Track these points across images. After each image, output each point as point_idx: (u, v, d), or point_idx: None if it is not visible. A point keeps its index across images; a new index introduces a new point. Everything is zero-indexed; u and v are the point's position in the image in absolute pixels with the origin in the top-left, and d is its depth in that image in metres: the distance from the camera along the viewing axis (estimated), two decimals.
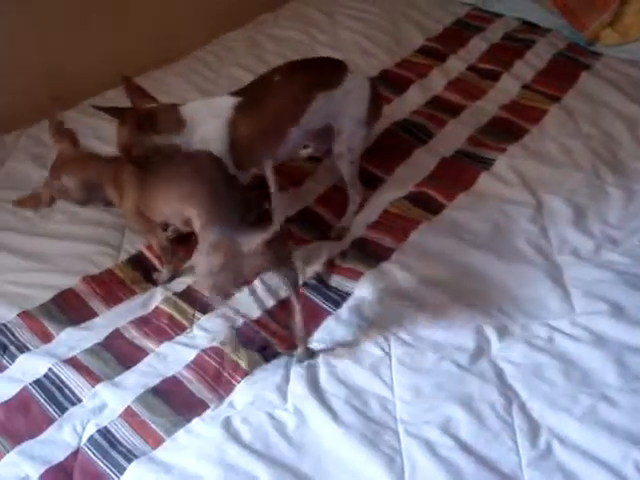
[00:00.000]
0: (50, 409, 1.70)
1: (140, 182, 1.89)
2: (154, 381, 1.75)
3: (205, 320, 1.91)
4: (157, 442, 1.62)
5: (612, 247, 2.07)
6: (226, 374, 1.76)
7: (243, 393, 1.72)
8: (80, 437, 1.64)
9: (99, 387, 1.73)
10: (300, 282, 1.86)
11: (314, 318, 1.88)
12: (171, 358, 1.81)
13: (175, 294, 1.99)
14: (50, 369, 1.77)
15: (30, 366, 1.79)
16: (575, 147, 2.45)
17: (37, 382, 1.76)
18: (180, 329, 1.90)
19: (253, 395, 1.71)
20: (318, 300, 1.94)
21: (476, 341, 1.80)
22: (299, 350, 1.79)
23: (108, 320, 1.93)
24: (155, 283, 2.04)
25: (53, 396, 1.73)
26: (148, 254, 2.12)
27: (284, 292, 1.94)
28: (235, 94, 2.08)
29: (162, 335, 1.88)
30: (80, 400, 1.72)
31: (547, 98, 2.70)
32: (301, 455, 1.57)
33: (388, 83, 2.77)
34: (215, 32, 3.16)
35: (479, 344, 1.79)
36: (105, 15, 2.82)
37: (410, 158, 2.44)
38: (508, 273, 2.00)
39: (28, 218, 2.23)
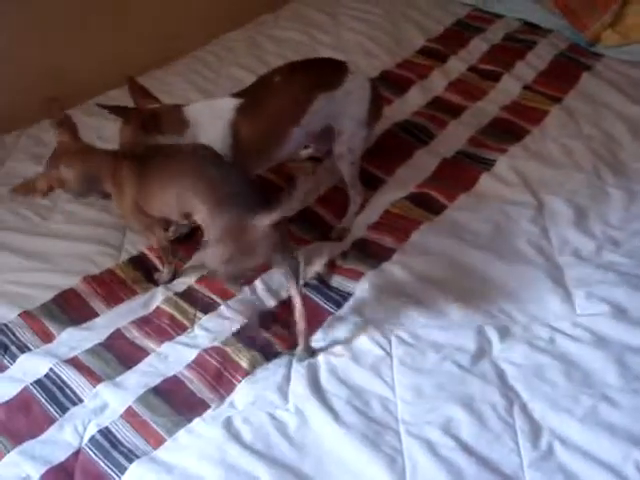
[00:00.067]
0: (51, 409, 1.70)
1: (138, 177, 1.87)
2: (155, 381, 1.75)
3: (206, 320, 1.91)
4: (158, 442, 1.62)
5: (613, 248, 2.07)
6: (227, 374, 1.76)
7: (244, 393, 1.72)
8: (81, 437, 1.64)
9: (100, 387, 1.73)
10: (301, 280, 1.87)
11: (315, 318, 1.87)
12: (172, 358, 1.81)
13: (176, 294, 1.99)
14: (51, 369, 1.77)
15: (31, 366, 1.79)
16: (576, 148, 2.45)
17: (38, 382, 1.76)
18: (181, 329, 1.90)
19: (254, 395, 1.71)
20: (319, 300, 1.94)
21: (477, 342, 1.80)
22: (300, 347, 1.79)
23: (109, 320, 1.93)
24: (156, 283, 2.04)
25: (54, 396, 1.73)
26: (149, 254, 2.12)
27: (284, 292, 1.96)
28: (236, 95, 2.08)
29: (163, 335, 1.88)
30: (81, 400, 1.72)
31: (548, 99, 2.70)
32: (302, 455, 1.57)
33: (389, 84, 2.77)
34: (215, 32, 3.16)
35: (480, 345, 1.79)
36: (105, 15, 2.82)
37: (411, 159, 2.45)
38: (509, 274, 2.00)
39: (29, 218, 2.24)
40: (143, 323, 1.91)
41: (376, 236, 2.15)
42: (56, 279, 2.02)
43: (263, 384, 1.73)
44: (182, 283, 2.03)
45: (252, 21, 3.28)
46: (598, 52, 2.97)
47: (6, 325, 1.89)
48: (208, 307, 1.94)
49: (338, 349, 1.80)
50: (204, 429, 1.64)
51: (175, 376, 1.76)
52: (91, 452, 1.61)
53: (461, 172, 2.38)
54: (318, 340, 1.83)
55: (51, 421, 1.68)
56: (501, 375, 1.73)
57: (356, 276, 2.00)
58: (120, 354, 1.83)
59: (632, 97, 2.68)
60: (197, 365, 1.78)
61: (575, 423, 1.61)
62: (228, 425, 1.63)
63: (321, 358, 1.78)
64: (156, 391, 1.73)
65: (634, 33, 2.93)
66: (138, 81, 2.08)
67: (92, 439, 1.63)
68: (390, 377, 1.73)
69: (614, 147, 2.46)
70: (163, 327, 1.90)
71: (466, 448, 1.57)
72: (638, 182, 2.29)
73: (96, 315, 1.95)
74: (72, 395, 1.73)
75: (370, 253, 2.09)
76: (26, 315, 1.92)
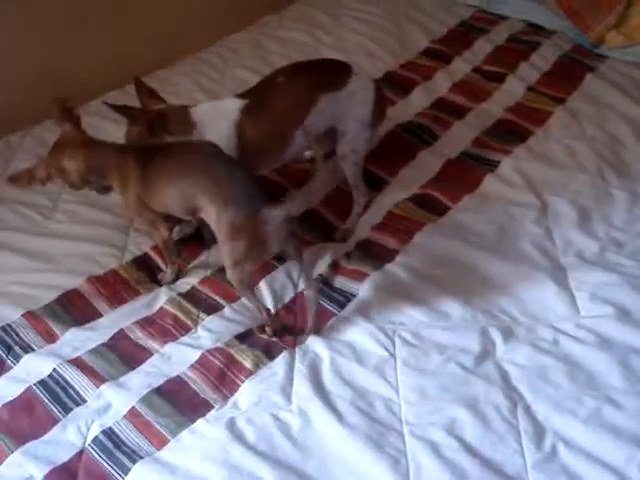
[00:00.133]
0: (54, 409, 1.70)
1: (143, 171, 1.86)
2: (158, 381, 1.75)
3: (209, 321, 1.91)
4: (161, 443, 1.61)
5: (617, 249, 2.06)
6: (230, 374, 1.76)
7: (247, 393, 1.72)
8: (84, 438, 1.64)
9: (103, 387, 1.73)
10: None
11: (319, 319, 1.87)
12: (175, 358, 1.81)
13: (179, 294, 1.99)
14: (54, 369, 1.77)
15: (34, 366, 1.79)
16: (580, 149, 2.45)
17: (41, 382, 1.75)
18: (184, 329, 1.89)
19: (257, 396, 1.71)
20: (323, 301, 1.93)
21: (481, 343, 1.80)
22: (309, 326, 1.82)
23: (112, 320, 1.93)
24: (160, 283, 2.04)
25: (57, 396, 1.73)
26: (153, 255, 2.12)
27: (288, 295, 1.96)
28: (241, 96, 2.08)
29: (166, 335, 1.88)
30: (85, 400, 1.72)
31: (552, 100, 2.70)
32: (306, 456, 1.57)
33: (393, 85, 2.78)
34: (217, 33, 3.17)
35: (484, 346, 1.79)
36: (105, 15, 2.82)
37: (415, 160, 2.44)
38: (513, 275, 1.99)
39: (33, 218, 2.24)
40: (146, 323, 1.91)
41: (380, 237, 2.15)
42: (59, 279, 2.02)
43: (266, 385, 1.73)
44: (186, 283, 2.03)
45: (256, 22, 3.29)
46: (602, 53, 2.97)
47: (10, 325, 1.89)
48: (211, 308, 1.94)
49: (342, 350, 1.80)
50: (207, 430, 1.63)
51: (178, 376, 1.76)
52: (94, 452, 1.60)
53: (465, 173, 2.38)
54: (321, 341, 1.83)
55: (54, 421, 1.68)
56: (505, 376, 1.72)
57: (360, 277, 2.00)
58: (123, 354, 1.82)
59: (636, 98, 2.68)
60: (200, 366, 1.78)
61: (579, 425, 1.60)
62: (231, 426, 1.63)
63: (325, 359, 1.78)
64: (159, 392, 1.73)
65: (638, 34, 2.93)
66: (144, 81, 2.08)
67: (95, 439, 1.63)
68: (394, 378, 1.73)
69: (618, 148, 2.46)
70: (166, 328, 1.90)
71: (470, 449, 1.56)
72: None
73: (100, 315, 1.95)
74: (75, 395, 1.73)
75: (374, 254, 2.08)
76: (30, 315, 1.92)
